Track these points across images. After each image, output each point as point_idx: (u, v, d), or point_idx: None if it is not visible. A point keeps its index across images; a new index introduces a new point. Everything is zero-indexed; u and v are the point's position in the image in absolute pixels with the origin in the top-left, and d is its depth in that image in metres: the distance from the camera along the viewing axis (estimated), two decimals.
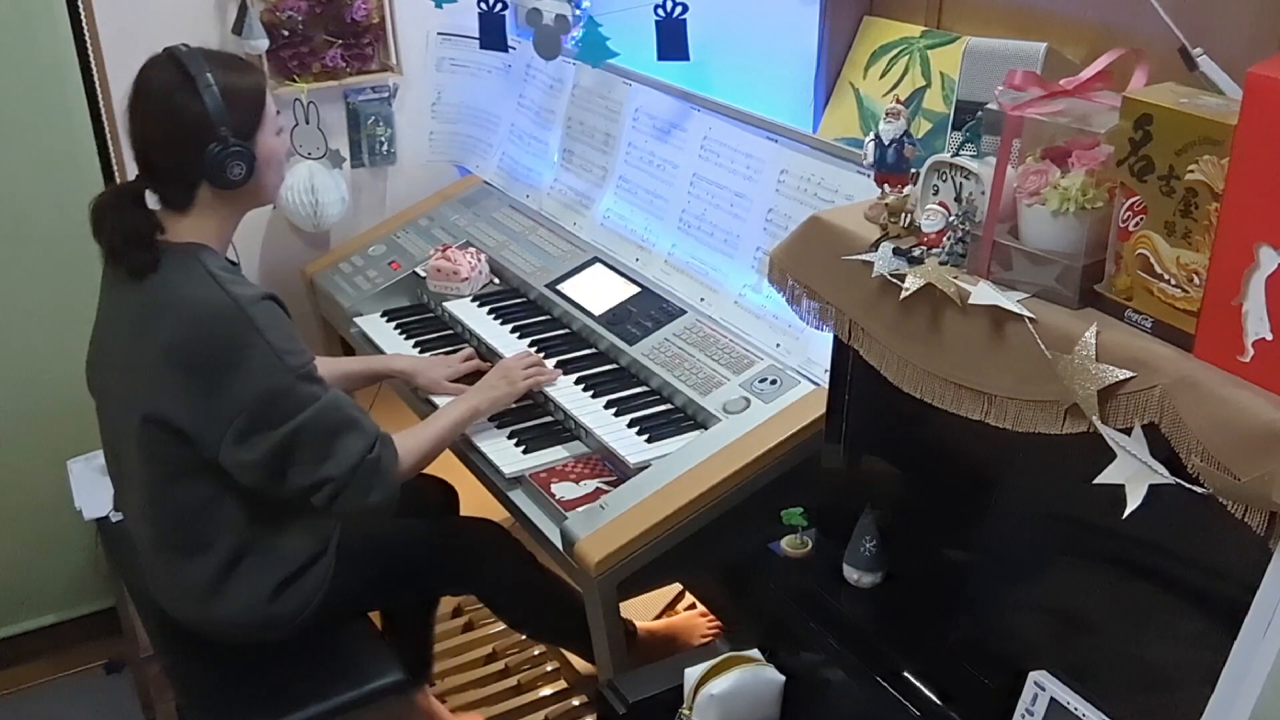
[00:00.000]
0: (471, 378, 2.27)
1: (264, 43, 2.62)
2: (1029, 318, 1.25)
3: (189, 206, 1.81)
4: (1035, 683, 1.33)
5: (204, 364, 1.74)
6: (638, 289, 2.32)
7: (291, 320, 1.83)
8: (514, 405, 2.17)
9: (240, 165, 1.78)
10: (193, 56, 1.77)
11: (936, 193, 1.43)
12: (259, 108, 1.83)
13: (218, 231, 1.84)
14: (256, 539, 1.87)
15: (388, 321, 2.55)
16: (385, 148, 2.90)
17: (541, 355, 2.23)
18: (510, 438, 2.08)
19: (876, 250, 1.43)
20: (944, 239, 1.37)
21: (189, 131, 1.75)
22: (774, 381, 1.96)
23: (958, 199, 1.40)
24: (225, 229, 1.87)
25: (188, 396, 1.75)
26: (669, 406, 2.06)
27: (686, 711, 1.60)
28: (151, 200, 1.84)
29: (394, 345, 2.45)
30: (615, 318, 2.27)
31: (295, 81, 2.72)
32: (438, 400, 2.17)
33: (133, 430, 1.81)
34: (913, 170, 1.52)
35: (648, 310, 2.25)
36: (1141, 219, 1.19)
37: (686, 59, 2.27)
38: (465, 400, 2.08)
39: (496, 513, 2.15)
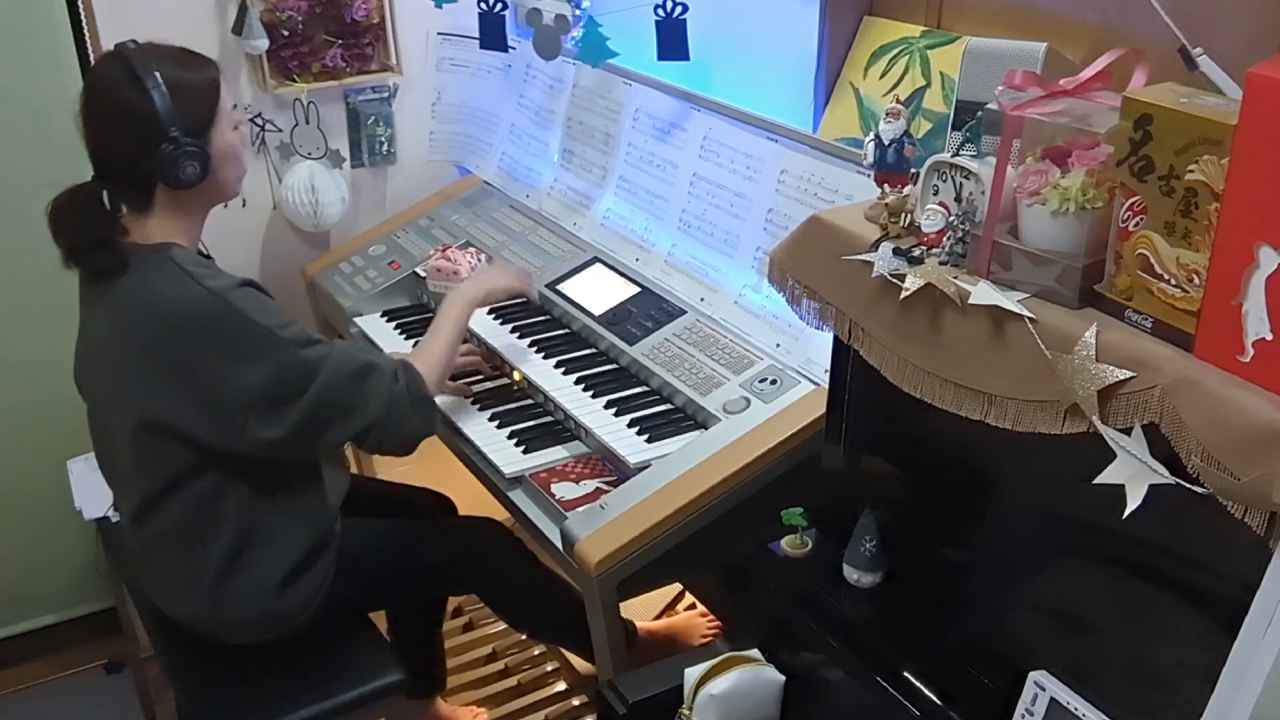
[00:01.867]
0: (469, 373, 2.28)
1: (264, 43, 2.62)
2: (1029, 318, 1.25)
3: (149, 207, 1.80)
4: (1035, 683, 1.33)
5: (199, 362, 1.73)
6: (638, 289, 2.32)
7: (273, 299, 1.82)
8: (514, 405, 2.17)
9: (194, 165, 1.75)
10: (140, 54, 1.75)
11: (936, 193, 1.43)
12: (212, 103, 1.80)
13: (184, 230, 1.83)
14: (257, 529, 1.86)
15: (388, 321, 2.55)
16: (385, 148, 2.91)
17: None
18: (510, 438, 2.08)
19: (876, 250, 1.43)
20: (944, 239, 1.37)
21: (139, 132, 1.73)
22: (774, 381, 1.96)
23: (958, 199, 1.40)
24: (191, 227, 1.85)
25: (188, 398, 1.74)
26: (669, 406, 2.06)
27: (686, 711, 1.60)
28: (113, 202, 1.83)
29: (394, 345, 2.44)
30: (615, 318, 2.27)
31: (295, 81, 2.72)
32: (436, 398, 2.16)
33: (127, 437, 1.80)
34: (913, 170, 1.52)
35: (648, 310, 2.25)
36: (1141, 219, 1.19)
37: (686, 59, 2.27)
38: (461, 294, 2.10)
39: (496, 513, 2.15)
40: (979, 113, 1.44)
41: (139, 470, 1.84)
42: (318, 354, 1.77)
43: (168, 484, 1.82)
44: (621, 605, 1.84)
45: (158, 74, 1.73)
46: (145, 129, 1.72)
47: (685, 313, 2.20)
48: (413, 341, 2.44)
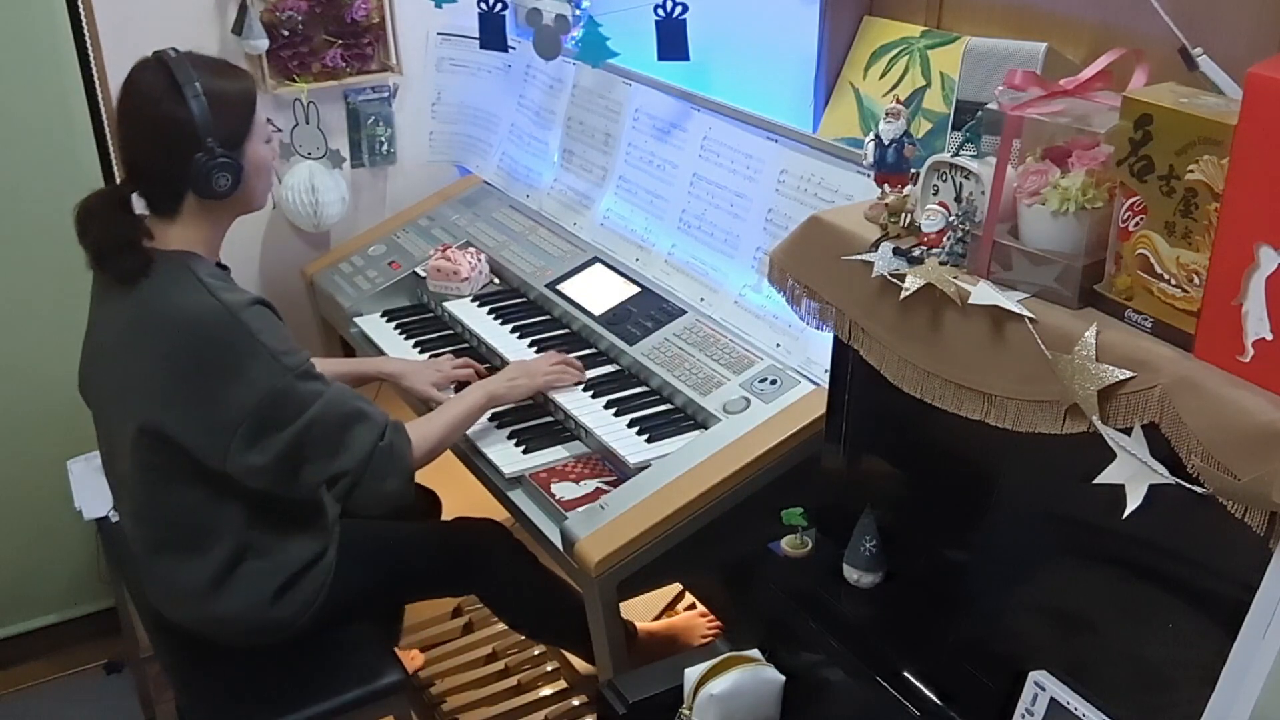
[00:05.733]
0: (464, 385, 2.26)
1: (264, 43, 2.62)
2: (1029, 318, 1.25)
3: (176, 214, 1.79)
4: (1035, 683, 1.33)
5: (201, 373, 1.72)
6: (638, 289, 2.32)
7: (283, 322, 1.82)
8: (514, 405, 2.16)
9: (226, 177, 1.76)
10: (180, 63, 1.74)
11: (936, 193, 1.43)
12: (248, 116, 1.81)
13: (206, 239, 1.83)
14: (256, 542, 1.87)
15: (388, 322, 2.55)
16: (385, 148, 2.90)
17: (571, 356, 2.20)
18: (510, 438, 2.08)
19: (876, 250, 1.43)
20: (944, 239, 1.37)
21: (175, 141, 1.72)
22: (774, 381, 1.96)
23: (958, 199, 1.40)
24: (214, 236, 1.85)
25: (186, 407, 1.74)
26: (669, 406, 2.06)
27: (686, 711, 1.60)
28: (138, 205, 1.83)
29: (394, 345, 2.45)
30: (615, 318, 2.27)
31: (295, 81, 2.72)
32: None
33: (128, 439, 1.80)
34: (913, 170, 1.52)
35: (648, 310, 2.25)
36: (1141, 219, 1.19)
37: (686, 59, 2.27)
38: (482, 387, 2.06)
39: (496, 513, 2.15)
40: (979, 113, 1.44)
41: (138, 472, 1.84)
42: (312, 389, 1.77)
43: (164, 486, 1.82)
44: (621, 605, 1.84)
45: (197, 83, 1.72)
46: (181, 138, 1.72)
47: (685, 313, 2.20)
48: (413, 342, 2.44)
